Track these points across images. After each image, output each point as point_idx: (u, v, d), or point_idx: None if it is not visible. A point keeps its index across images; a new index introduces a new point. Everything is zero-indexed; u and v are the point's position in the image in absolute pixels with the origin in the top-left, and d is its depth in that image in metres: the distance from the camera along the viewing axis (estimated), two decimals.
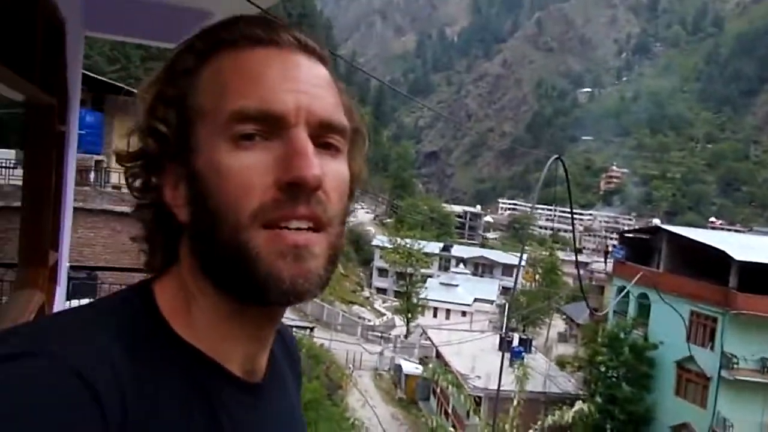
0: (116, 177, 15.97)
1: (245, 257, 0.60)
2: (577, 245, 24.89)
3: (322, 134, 0.64)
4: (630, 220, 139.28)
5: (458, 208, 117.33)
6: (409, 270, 49.18)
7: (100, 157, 16.66)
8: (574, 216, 9.94)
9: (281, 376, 0.78)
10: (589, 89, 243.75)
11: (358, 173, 0.69)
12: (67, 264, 4.05)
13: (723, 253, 26.11)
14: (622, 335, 29.62)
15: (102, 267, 7.75)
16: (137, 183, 0.67)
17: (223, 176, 0.60)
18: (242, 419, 0.66)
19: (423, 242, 54.13)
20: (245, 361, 0.68)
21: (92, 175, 15.62)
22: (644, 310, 30.22)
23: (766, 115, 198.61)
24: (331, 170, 0.63)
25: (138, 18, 4.25)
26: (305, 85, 0.63)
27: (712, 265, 27.81)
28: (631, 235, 37.06)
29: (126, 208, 14.54)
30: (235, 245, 0.60)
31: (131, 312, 0.62)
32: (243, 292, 0.62)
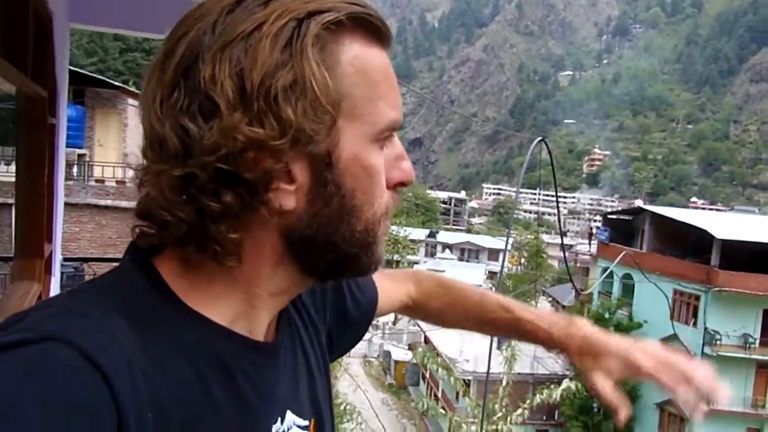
0: (99, 170, 15.87)
1: (373, 243, 0.66)
2: (562, 228, 25.16)
3: None
4: (613, 201, 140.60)
5: (443, 194, 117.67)
6: (396, 257, 49.31)
7: (82, 151, 16.53)
8: (558, 199, 10.06)
9: (291, 329, 0.79)
10: (570, 72, 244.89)
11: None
12: (61, 255, 4.07)
13: (704, 231, 26.52)
14: (606, 315, 30.05)
15: (90, 258, 7.76)
16: (250, 156, 0.58)
17: (371, 175, 0.64)
18: (259, 380, 0.67)
19: (409, 229, 54.29)
20: (265, 325, 0.70)
21: (75, 169, 15.51)
22: (628, 290, 30.65)
23: (746, 94, 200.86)
24: None
25: (121, 8, 4.26)
26: None
27: (694, 243, 28.27)
28: (614, 216, 37.47)
29: (110, 202, 14.50)
30: (368, 235, 0.65)
31: (137, 288, 0.61)
32: (356, 272, 0.69)
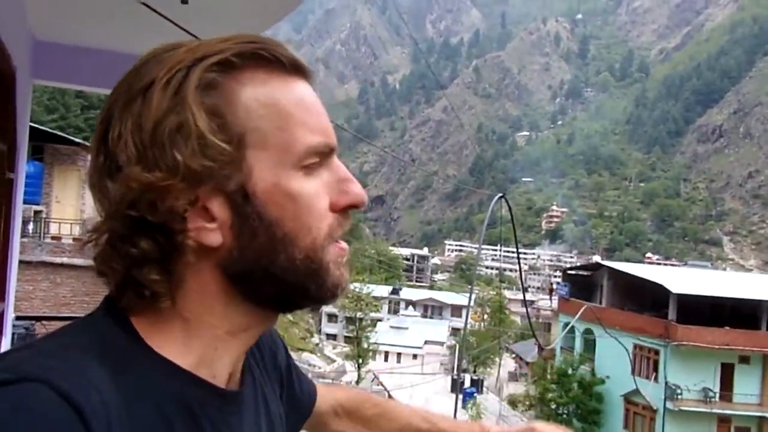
0: (56, 227, 15.45)
1: (320, 271, 0.66)
2: (523, 284, 25.39)
3: None
4: (572, 257, 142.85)
5: (405, 251, 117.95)
6: (359, 314, 48.80)
7: (39, 208, 16.12)
8: (519, 255, 10.20)
9: (253, 378, 0.80)
10: (526, 133, 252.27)
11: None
12: (13, 314, 3.93)
13: (661, 286, 27.08)
14: (570, 371, 30.08)
15: (44, 317, 7.47)
16: (151, 197, 0.61)
17: (297, 201, 0.64)
18: (225, 427, 0.68)
19: (372, 286, 53.96)
20: (229, 371, 0.71)
21: (31, 226, 15.07)
22: (590, 345, 30.85)
23: (693, 154, 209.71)
24: None
25: (85, 65, 4.27)
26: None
27: (651, 298, 28.80)
28: (573, 272, 38.10)
29: (66, 260, 14.08)
30: (311, 263, 0.65)
31: (108, 332, 0.63)
32: (308, 302, 0.69)
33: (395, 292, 67.61)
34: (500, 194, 6.04)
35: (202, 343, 0.66)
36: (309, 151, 0.64)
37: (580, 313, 22.80)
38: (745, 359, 27.04)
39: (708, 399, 26.68)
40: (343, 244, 0.69)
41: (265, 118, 0.63)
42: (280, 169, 0.63)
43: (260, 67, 0.64)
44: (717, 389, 26.95)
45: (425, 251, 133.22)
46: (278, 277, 0.65)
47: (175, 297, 0.64)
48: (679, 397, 26.63)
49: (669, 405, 26.57)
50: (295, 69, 0.66)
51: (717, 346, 26.33)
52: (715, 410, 26.59)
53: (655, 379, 27.40)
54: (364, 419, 1.08)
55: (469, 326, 49.09)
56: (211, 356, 0.67)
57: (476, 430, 1.08)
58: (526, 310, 9.49)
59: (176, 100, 0.60)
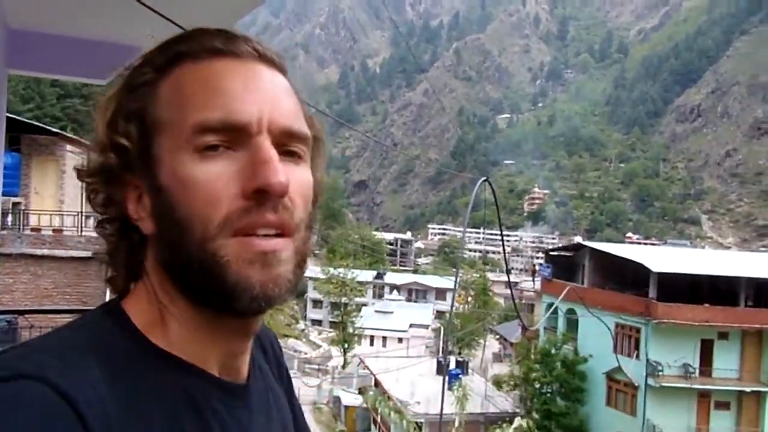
0: (35, 219, 15.27)
1: (214, 266, 0.61)
2: (507, 265, 25.58)
3: (285, 142, 0.65)
4: (554, 239, 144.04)
5: (389, 236, 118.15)
6: (344, 300, 48.95)
7: (17, 199, 15.89)
8: (503, 237, 10.29)
9: (263, 376, 0.79)
10: (507, 115, 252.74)
11: (320, 180, 0.70)
12: None
13: (641, 265, 27.46)
14: (553, 351, 30.48)
15: (26, 310, 7.39)
16: (99, 198, 0.67)
17: (189, 187, 0.61)
18: (231, 421, 0.67)
19: (356, 271, 54.09)
20: (225, 367, 0.70)
21: (9, 218, 14.86)
22: (573, 324, 31.27)
23: (672, 134, 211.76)
24: (295, 177, 0.64)
25: (62, 54, 4.19)
26: (266, 94, 0.64)
27: (632, 277, 29.22)
28: (555, 253, 38.46)
29: (47, 251, 13.92)
30: (203, 255, 0.61)
31: (106, 330, 0.63)
32: (215, 302, 0.64)
33: (379, 276, 67.82)
34: (484, 178, 6.08)
35: (190, 337, 0.66)
36: (197, 129, 0.61)
37: (564, 293, 23.08)
38: (724, 335, 27.59)
39: (688, 375, 27.21)
40: (261, 240, 0.62)
41: (168, 103, 0.64)
42: (176, 153, 0.62)
43: (189, 61, 0.65)
44: (697, 365, 27.50)
45: (408, 235, 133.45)
46: (186, 271, 0.63)
47: (155, 289, 0.66)
48: (660, 373, 27.12)
49: (650, 381, 27.06)
50: (216, 52, 0.65)
51: (697, 323, 26.82)
52: (695, 386, 27.13)
53: (637, 356, 27.86)
54: None
55: (453, 309, 49.41)
56: (199, 352, 0.66)
57: None
58: (511, 291, 9.59)
59: (99, 108, 0.67)
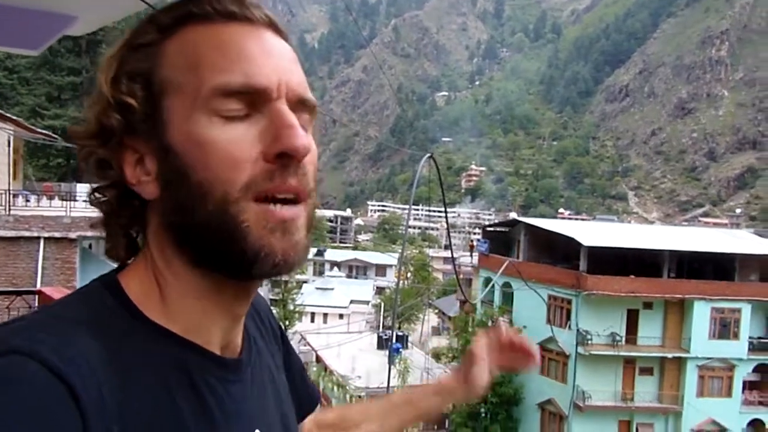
0: None
1: (235, 230, 0.60)
2: (447, 241, 26.10)
3: (297, 110, 0.64)
4: (490, 215, 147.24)
5: (329, 213, 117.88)
6: (284, 277, 48.73)
7: None
8: (440, 213, 10.58)
9: (257, 348, 0.79)
10: (445, 93, 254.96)
11: (318, 150, 0.70)
12: None
13: (572, 240, 28.49)
14: (490, 323, 31.39)
15: None
16: (93, 162, 0.65)
17: (208, 149, 0.60)
18: (226, 395, 0.67)
19: None
20: (222, 339, 0.69)
21: None
22: (508, 298, 32.21)
23: (602, 113, 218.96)
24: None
25: None
26: (281, 61, 0.65)
27: (564, 251, 30.29)
28: (492, 229, 39.39)
29: None
30: (224, 218, 0.60)
31: (102, 304, 0.62)
32: (230, 266, 0.63)
33: (320, 253, 67.77)
34: (428, 154, 6.27)
35: (186, 309, 0.65)
36: (217, 92, 0.61)
37: (503, 267, 23.69)
38: (648, 305, 29.02)
39: (615, 343, 28.47)
40: (282, 209, 0.62)
41: (180, 65, 0.63)
42: (191, 115, 0.61)
43: (198, 23, 0.64)
44: (623, 334, 28.80)
45: (348, 212, 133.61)
46: (200, 234, 0.62)
47: (153, 258, 0.66)
48: (590, 342, 28.27)
49: (580, 350, 28.20)
50: (229, 16, 0.64)
51: (623, 294, 28.07)
52: (621, 353, 28.45)
53: (568, 326, 28.94)
54: (354, 418, 1.07)
55: (393, 284, 50.02)
56: (198, 323, 0.66)
57: (429, 390, 1.15)
58: (454, 266, 9.92)
59: (102, 68, 0.65)
